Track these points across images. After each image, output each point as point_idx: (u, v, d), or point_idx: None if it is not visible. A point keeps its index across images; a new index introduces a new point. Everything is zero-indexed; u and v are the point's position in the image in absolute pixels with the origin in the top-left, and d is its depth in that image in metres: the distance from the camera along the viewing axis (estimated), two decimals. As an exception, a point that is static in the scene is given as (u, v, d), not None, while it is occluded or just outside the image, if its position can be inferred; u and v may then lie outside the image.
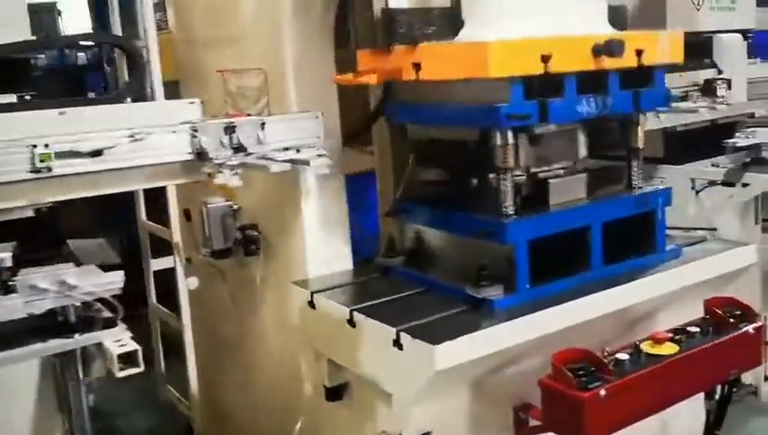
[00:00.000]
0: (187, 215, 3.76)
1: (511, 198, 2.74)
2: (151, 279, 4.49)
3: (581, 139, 3.03)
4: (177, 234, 3.97)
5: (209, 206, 3.45)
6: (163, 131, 2.60)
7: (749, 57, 4.98)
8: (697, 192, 4.56)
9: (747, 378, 5.09)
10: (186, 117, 2.69)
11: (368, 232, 3.51)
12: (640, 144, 3.10)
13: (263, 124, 2.79)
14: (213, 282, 3.87)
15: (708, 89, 4.29)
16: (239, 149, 2.70)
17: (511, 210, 2.74)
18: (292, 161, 2.68)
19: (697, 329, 2.84)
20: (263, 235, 3.45)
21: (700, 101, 4.23)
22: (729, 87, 4.38)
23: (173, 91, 3.96)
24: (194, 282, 3.85)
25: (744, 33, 4.93)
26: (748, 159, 4.22)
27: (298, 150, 2.73)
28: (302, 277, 3.20)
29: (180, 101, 2.97)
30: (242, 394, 3.95)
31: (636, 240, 3.08)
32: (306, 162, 2.68)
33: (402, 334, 2.51)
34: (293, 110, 3.11)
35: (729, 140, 4.11)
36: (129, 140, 2.54)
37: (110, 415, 5.02)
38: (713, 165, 4.42)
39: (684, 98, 4.23)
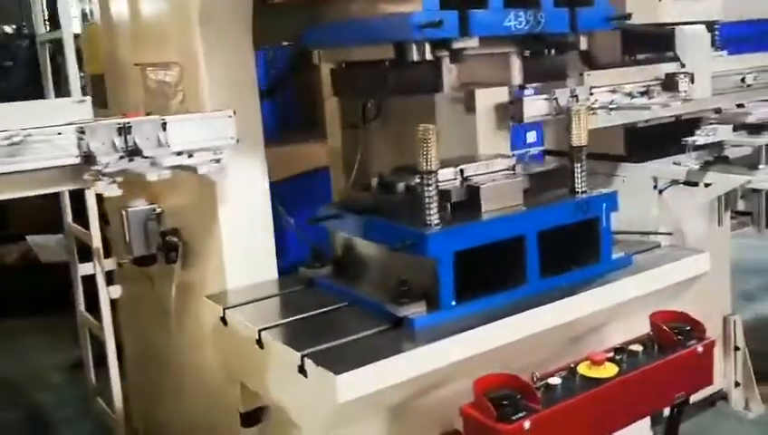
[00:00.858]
0: (104, 219, 3.50)
1: (435, 205, 2.48)
2: (79, 284, 4.22)
3: (516, 64, 2.76)
4: (97, 238, 3.70)
5: (129, 209, 3.20)
6: (46, 133, 2.32)
7: (715, 50, 4.71)
8: (660, 191, 4.30)
9: (718, 383, 4.88)
10: (75, 116, 2.41)
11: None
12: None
13: (164, 124, 2.51)
14: (143, 289, 3.61)
15: (670, 83, 4.02)
16: (135, 152, 2.42)
17: (435, 220, 2.48)
18: (177, 167, 2.41)
19: (640, 347, 2.60)
20: (184, 241, 3.19)
21: (660, 97, 3.98)
22: (692, 81, 4.12)
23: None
24: (116, 290, 3.59)
25: (710, 24, 4.67)
26: (710, 158, 3.97)
27: (190, 155, 2.45)
28: (220, 289, 2.94)
29: (68, 99, 2.69)
30: (173, 410, 3.70)
31: (578, 250, 2.83)
32: (193, 169, 2.42)
33: (306, 360, 2.26)
34: (207, 108, 2.84)
35: (689, 138, 3.85)
36: (7, 144, 2.27)
37: (44, 428, 4.77)
38: (675, 163, 4.16)
39: (645, 93, 3.97)
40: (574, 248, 2.82)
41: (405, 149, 3.03)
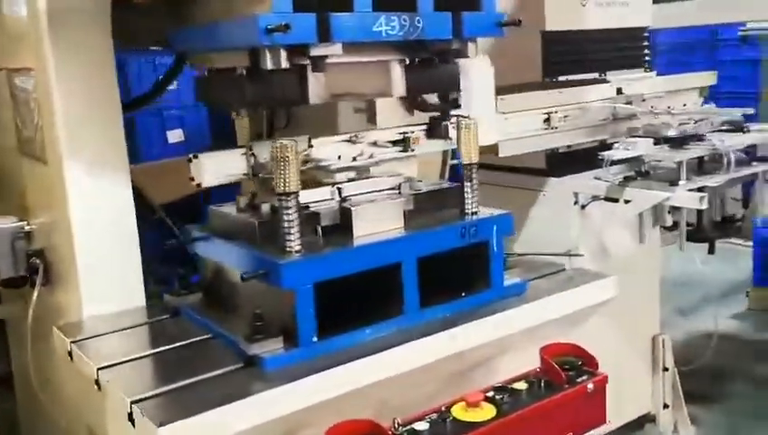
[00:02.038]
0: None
1: (296, 230, 2.24)
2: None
3: (397, 73, 2.52)
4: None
5: (-6, 227, 2.93)
6: None
7: (645, 70, 4.54)
8: (583, 207, 4.09)
9: (646, 406, 4.71)
10: None
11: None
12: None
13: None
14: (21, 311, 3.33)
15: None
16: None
17: (296, 246, 2.23)
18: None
19: (525, 386, 2.37)
20: (47, 262, 2.92)
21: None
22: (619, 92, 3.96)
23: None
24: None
25: (640, 31, 4.49)
26: (631, 173, 3.76)
27: None
28: (77, 317, 2.67)
29: None
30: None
31: (466, 276, 2.60)
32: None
33: (135, 407, 1.99)
34: (58, 119, 2.57)
35: (605, 153, 3.65)
36: None
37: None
38: (596, 178, 3.96)
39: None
40: (461, 275, 2.59)
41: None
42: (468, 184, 2.64)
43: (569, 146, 4.00)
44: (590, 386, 2.41)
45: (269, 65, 2.13)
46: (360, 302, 2.34)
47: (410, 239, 2.43)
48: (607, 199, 3.85)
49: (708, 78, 4.55)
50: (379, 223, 2.45)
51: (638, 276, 4.48)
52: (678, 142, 3.72)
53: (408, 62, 2.59)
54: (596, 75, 4.22)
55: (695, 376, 5.37)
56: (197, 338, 2.45)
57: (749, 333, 6.28)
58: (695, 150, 3.65)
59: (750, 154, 3.98)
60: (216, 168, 2.38)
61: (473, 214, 2.65)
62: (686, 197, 3.48)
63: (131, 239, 2.75)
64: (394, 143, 2.65)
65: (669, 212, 4.38)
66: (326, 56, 2.21)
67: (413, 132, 2.68)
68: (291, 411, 2.09)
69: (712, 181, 3.66)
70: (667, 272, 7.71)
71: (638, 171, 3.77)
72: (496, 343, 2.58)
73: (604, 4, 4.19)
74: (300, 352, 2.21)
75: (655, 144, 3.75)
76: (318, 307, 2.23)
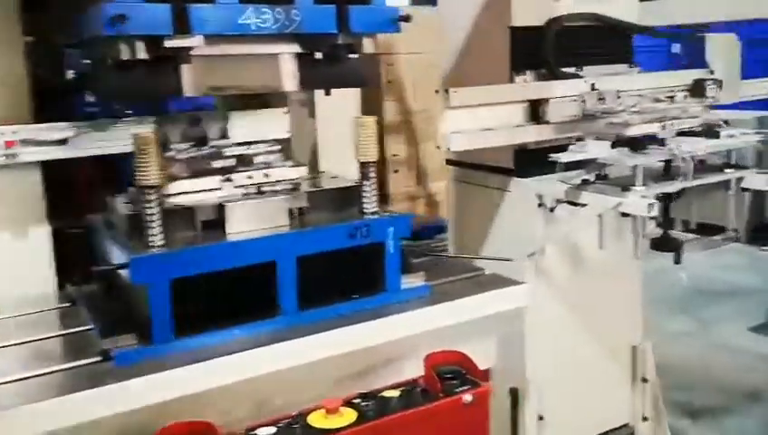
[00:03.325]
0: None
1: (157, 224, 2.20)
2: None
3: (288, 67, 2.45)
4: None
5: None
6: None
7: (630, 64, 4.34)
8: (552, 209, 3.94)
9: (624, 417, 4.53)
10: None
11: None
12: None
13: None
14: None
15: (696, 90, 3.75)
16: None
17: (158, 241, 2.20)
18: None
19: (397, 393, 2.29)
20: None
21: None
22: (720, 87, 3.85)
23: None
24: None
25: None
26: (589, 176, 3.61)
27: None
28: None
29: None
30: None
31: (357, 278, 2.52)
32: None
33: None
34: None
35: (555, 155, 3.50)
36: None
37: None
38: (560, 181, 3.81)
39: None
40: (354, 277, 2.50)
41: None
42: (366, 183, 2.56)
43: (537, 143, 3.84)
44: (468, 398, 2.30)
45: (124, 56, 2.08)
46: (233, 301, 2.29)
47: (287, 238, 2.37)
48: (569, 203, 3.70)
49: (700, 75, 4.30)
50: (258, 220, 2.39)
51: (617, 283, 4.32)
52: (639, 145, 3.54)
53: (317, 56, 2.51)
54: (572, 70, 4.03)
55: (697, 389, 5.19)
56: (77, 329, 2.43)
57: (759, 348, 5.99)
58: (652, 155, 3.47)
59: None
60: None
61: (372, 214, 2.56)
62: (636, 203, 3.31)
63: (42, 230, 2.76)
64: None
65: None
66: (189, 48, 2.15)
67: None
68: (128, 409, 2.04)
69: (670, 188, 3.49)
70: (696, 280, 7.52)
71: (598, 174, 3.61)
72: (398, 346, 2.50)
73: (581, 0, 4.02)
74: (154, 350, 2.17)
75: (616, 146, 3.58)
76: (178, 304, 2.18)
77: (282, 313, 2.36)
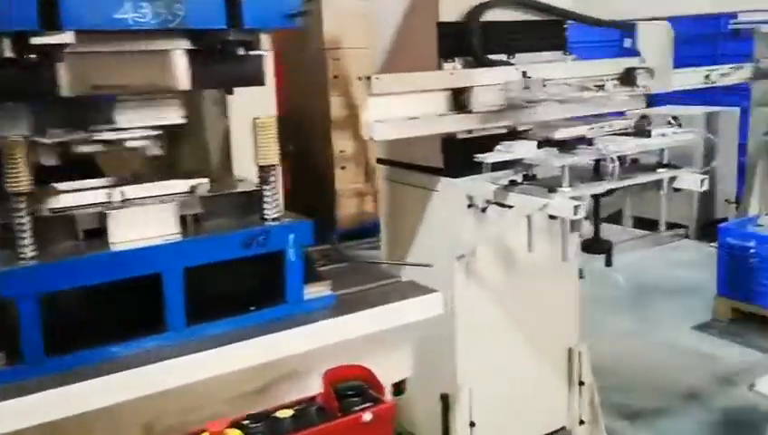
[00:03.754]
0: None
1: (27, 235, 2.03)
2: None
3: (180, 65, 2.29)
4: None
5: None
6: None
7: (564, 52, 4.23)
8: (483, 210, 3.82)
9: (560, 421, 4.44)
10: None
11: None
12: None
13: None
14: None
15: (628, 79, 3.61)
16: None
17: (29, 252, 2.03)
18: None
19: (291, 413, 2.14)
20: None
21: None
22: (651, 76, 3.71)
23: None
24: None
25: (558, 23, 4.18)
26: (516, 177, 3.49)
27: None
28: None
29: None
30: None
31: (255, 289, 2.38)
32: None
33: None
34: None
35: (481, 155, 3.37)
36: None
37: None
38: (489, 181, 3.68)
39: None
40: (249, 288, 2.36)
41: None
42: (267, 187, 2.41)
43: (467, 141, 3.70)
44: (368, 416, 2.16)
45: (-13, 54, 1.91)
46: (114, 317, 2.13)
47: (173, 248, 2.21)
48: (497, 204, 3.58)
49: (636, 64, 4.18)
50: (145, 228, 2.23)
51: (552, 284, 4.22)
52: (567, 146, 3.43)
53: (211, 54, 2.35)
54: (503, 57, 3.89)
55: (636, 390, 5.12)
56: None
57: (701, 347, 5.95)
58: (579, 156, 3.36)
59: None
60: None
61: (273, 220, 2.41)
62: (561, 205, 3.20)
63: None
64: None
65: (586, 218, 4.12)
66: (63, 45, 1.98)
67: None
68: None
69: (598, 188, 3.38)
70: (648, 277, 7.48)
71: (526, 175, 3.49)
72: (300, 361, 2.36)
73: (512, -6, 3.89)
74: (24, 370, 2.01)
75: (543, 146, 3.47)
76: (52, 321, 2.02)
77: (168, 329, 2.20)
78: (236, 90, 2.55)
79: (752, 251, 6.00)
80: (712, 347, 5.90)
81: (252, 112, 3.00)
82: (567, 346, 4.38)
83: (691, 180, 3.57)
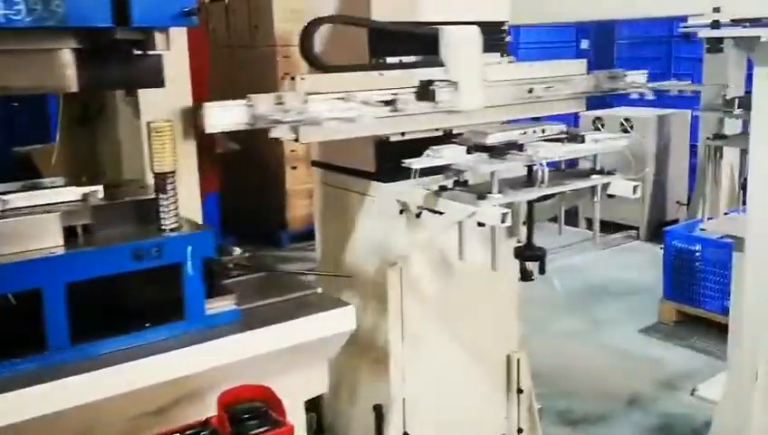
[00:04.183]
0: None
1: None
2: None
3: (68, 65, 2.11)
4: None
5: None
6: None
7: (502, 55, 4.08)
8: (417, 215, 3.66)
9: (498, 430, 4.31)
10: None
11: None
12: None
13: None
14: None
15: (424, 92, 3.38)
16: None
17: None
18: None
19: (182, 439, 1.98)
20: None
21: (412, 106, 3.35)
22: (457, 90, 3.48)
23: None
24: None
25: (496, 26, 4.04)
26: (447, 183, 3.34)
27: None
28: None
29: None
30: None
31: (149, 305, 2.21)
32: None
33: None
34: None
35: (409, 161, 3.22)
36: None
37: None
38: (421, 186, 3.52)
39: (391, 102, 3.31)
40: (143, 303, 2.18)
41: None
42: (164, 196, 2.23)
43: (402, 134, 3.53)
44: (266, 441, 2.00)
45: None
46: None
47: (54, 262, 2.02)
48: (428, 210, 3.43)
49: (578, 66, 4.03)
50: (26, 240, 2.04)
51: (490, 290, 4.08)
52: (497, 151, 3.29)
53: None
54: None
55: (579, 396, 5.02)
56: None
57: (646, 350, 5.86)
58: (509, 161, 3.22)
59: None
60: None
61: (171, 230, 2.23)
62: (489, 212, 3.06)
63: None
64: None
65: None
66: None
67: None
68: None
69: (528, 195, 3.25)
70: (597, 279, 7.41)
71: (457, 181, 3.35)
72: (199, 381, 2.19)
73: (445, -5, 3.74)
74: None
75: (474, 151, 3.33)
76: None
77: (49, 349, 2.02)
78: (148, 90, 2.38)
79: (697, 255, 5.93)
80: (656, 351, 5.81)
81: (165, 114, 2.84)
82: (506, 353, 4.25)
83: (624, 187, 3.45)
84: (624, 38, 11.27)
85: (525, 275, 3.87)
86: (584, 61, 4.04)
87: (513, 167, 3.24)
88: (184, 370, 2.16)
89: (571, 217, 9.71)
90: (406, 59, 3.65)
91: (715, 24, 3.59)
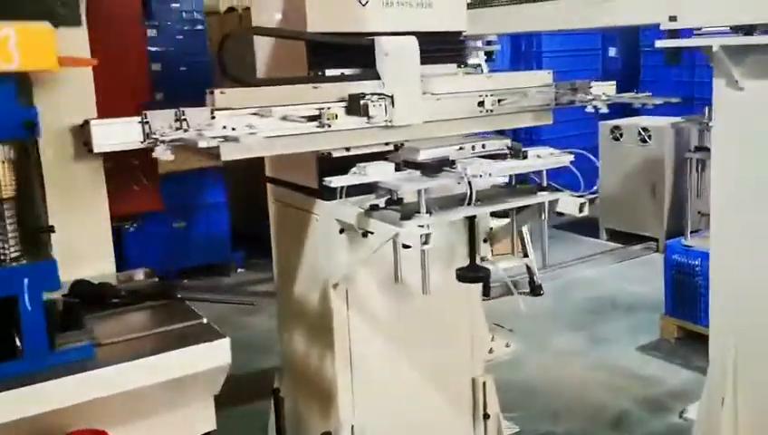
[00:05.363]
0: None
1: None
2: None
3: None
4: None
5: None
6: None
7: (458, 66, 3.74)
8: (364, 234, 3.34)
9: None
10: None
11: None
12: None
13: None
14: None
15: (354, 106, 3.07)
16: None
17: None
18: None
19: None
20: None
21: (343, 121, 3.04)
22: (393, 104, 3.16)
23: None
24: None
25: (451, 36, 3.70)
26: (379, 201, 3.02)
27: None
28: None
29: None
30: None
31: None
32: None
33: None
34: None
35: (331, 178, 2.91)
36: None
37: None
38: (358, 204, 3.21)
39: (317, 117, 3.01)
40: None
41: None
42: (2, 224, 1.96)
43: (347, 149, 3.22)
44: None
45: None
46: None
47: None
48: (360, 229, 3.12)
49: (542, 78, 3.65)
50: None
51: (451, 312, 3.74)
52: (429, 168, 2.96)
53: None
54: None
55: (563, 417, 4.64)
56: None
57: (643, 368, 5.41)
58: (441, 179, 2.89)
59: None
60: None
61: (11, 260, 1.96)
62: (411, 234, 2.73)
63: None
64: None
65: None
66: None
67: None
68: None
69: (457, 214, 2.91)
70: (606, 292, 6.96)
71: (390, 199, 3.02)
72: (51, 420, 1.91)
73: (395, 4, 3.42)
74: None
75: (405, 168, 3.00)
76: None
77: None
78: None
79: (697, 269, 5.45)
80: (654, 369, 5.36)
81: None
82: (470, 377, 3.88)
83: (571, 204, 3.07)
84: (648, 45, 10.73)
85: (535, 290, 3.52)
86: (550, 72, 3.67)
87: (442, 184, 2.90)
88: (17, 413, 1.87)
89: (592, 229, 9.27)
90: (349, 71, 3.33)
91: (673, 34, 3.20)
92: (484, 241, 3.71)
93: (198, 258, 7.93)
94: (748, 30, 3.03)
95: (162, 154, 2.44)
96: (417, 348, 3.64)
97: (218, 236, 8.04)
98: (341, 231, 3.27)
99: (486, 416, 3.91)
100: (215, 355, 2.16)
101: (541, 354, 5.64)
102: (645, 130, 8.65)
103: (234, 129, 2.61)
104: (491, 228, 3.74)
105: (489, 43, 5.54)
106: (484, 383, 3.89)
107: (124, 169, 3.35)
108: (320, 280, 3.41)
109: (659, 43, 3.25)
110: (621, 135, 8.82)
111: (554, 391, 5.05)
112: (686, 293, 5.53)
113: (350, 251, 3.29)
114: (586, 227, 9.27)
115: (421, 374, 3.68)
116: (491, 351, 5.21)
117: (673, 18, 3.16)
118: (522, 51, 9.71)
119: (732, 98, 3.12)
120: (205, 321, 2.33)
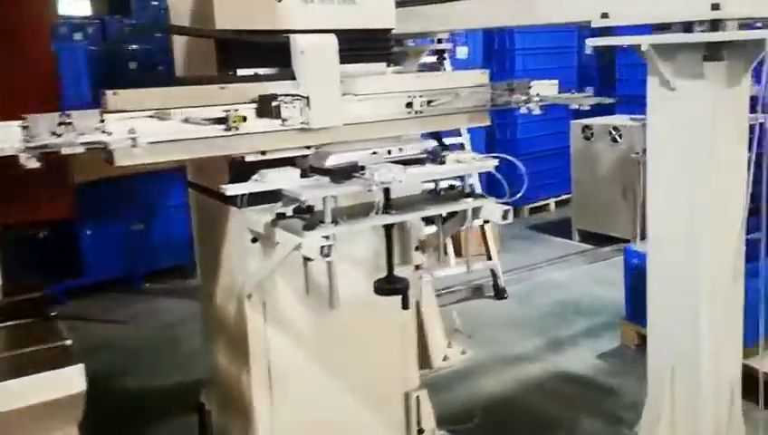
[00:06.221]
0: None
1: None
2: None
3: None
4: None
5: None
6: None
7: (388, 65, 3.53)
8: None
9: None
10: None
11: None
12: None
13: None
14: None
15: (265, 108, 2.86)
16: None
17: None
18: None
19: None
20: None
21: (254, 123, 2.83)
22: (308, 105, 2.95)
23: None
24: None
25: (379, 33, 3.49)
26: (286, 210, 2.82)
27: None
28: None
29: None
30: None
31: None
32: None
33: None
34: None
35: (227, 186, 2.71)
36: None
37: None
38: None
39: (224, 120, 2.79)
40: None
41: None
42: None
43: (263, 153, 3.00)
44: None
45: None
46: None
47: None
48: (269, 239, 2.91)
49: (478, 77, 3.44)
50: None
51: (379, 324, 3.53)
52: (338, 174, 2.75)
53: None
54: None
55: (512, 430, 4.45)
56: None
57: (599, 377, 5.21)
58: (349, 186, 2.69)
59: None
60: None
61: None
62: (310, 245, 2.53)
63: None
64: None
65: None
66: None
67: None
68: None
69: (364, 224, 2.71)
70: (572, 296, 6.77)
71: (299, 208, 2.82)
72: None
73: (315, 1, 3.20)
74: None
75: (313, 174, 2.80)
76: None
77: None
78: None
79: (654, 274, 5.24)
80: (610, 378, 5.16)
81: None
82: (403, 391, 3.68)
83: (494, 211, 2.87)
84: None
85: (499, 294, 3.34)
86: (486, 71, 3.47)
87: (348, 191, 2.70)
88: None
89: (564, 230, 9.08)
90: (264, 71, 3.12)
91: (605, 31, 3.00)
92: (416, 249, 3.51)
93: (160, 261, 7.73)
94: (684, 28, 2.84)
95: (27, 162, 2.23)
96: (344, 362, 3.44)
97: (180, 239, 7.82)
98: (254, 240, 3.06)
99: (420, 431, 3.71)
100: (64, 384, 1.95)
101: (497, 364, 5.44)
102: (615, 129, 8.46)
103: (110, 133, 2.39)
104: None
105: (440, 41, 5.35)
106: (417, 398, 3.69)
107: (30, 176, 3.15)
108: (236, 290, 3.21)
109: (590, 42, 3.05)
110: (593, 135, 8.62)
111: (504, 404, 4.86)
112: (645, 298, 5.32)
113: (264, 261, 3.08)
114: (560, 228, 9.10)
115: (349, 389, 3.48)
116: (445, 358, 5.04)
117: (605, 15, 2.96)
118: (494, 49, 9.48)
119: (665, 97, 2.94)
120: (68, 343, 2.12)
